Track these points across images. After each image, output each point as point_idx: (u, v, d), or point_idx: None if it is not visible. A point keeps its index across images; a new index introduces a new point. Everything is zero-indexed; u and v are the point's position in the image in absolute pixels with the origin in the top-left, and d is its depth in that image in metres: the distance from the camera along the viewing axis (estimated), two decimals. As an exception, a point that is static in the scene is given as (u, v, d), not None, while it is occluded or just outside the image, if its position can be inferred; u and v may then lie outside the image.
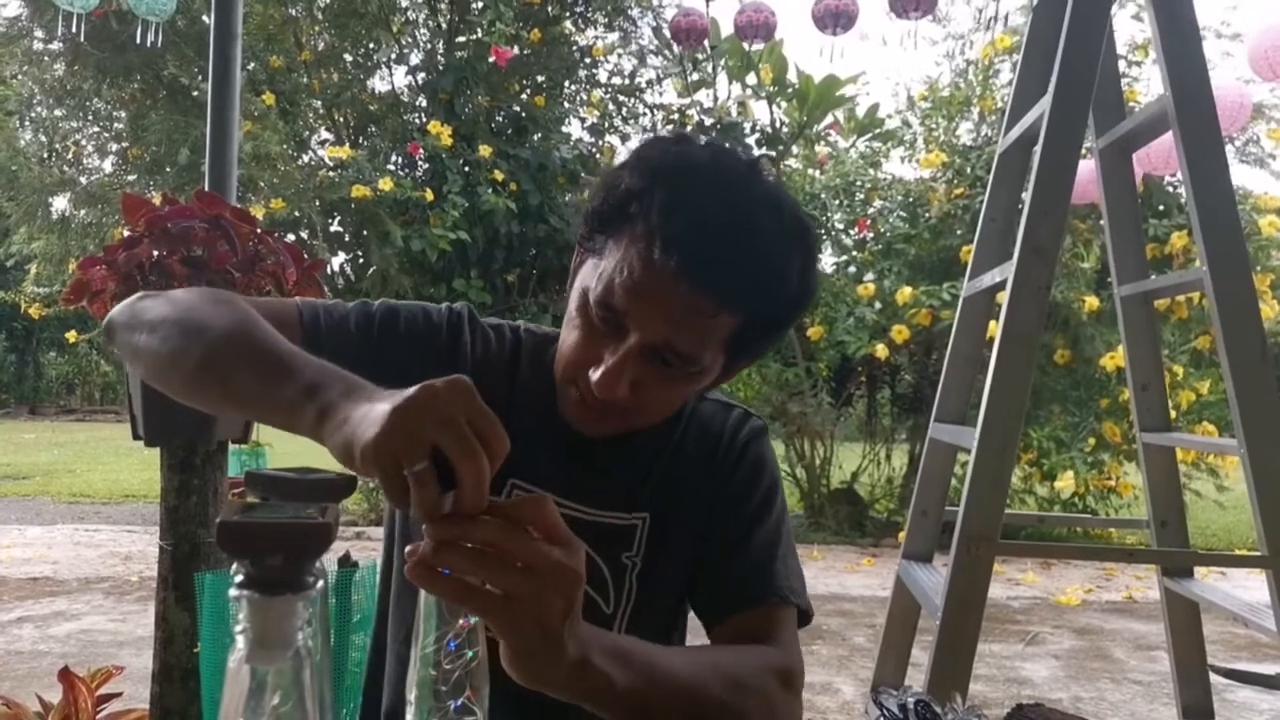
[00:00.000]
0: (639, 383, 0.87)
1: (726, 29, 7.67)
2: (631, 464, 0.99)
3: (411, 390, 0.62)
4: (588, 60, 7.72)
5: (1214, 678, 2.35)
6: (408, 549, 0.63)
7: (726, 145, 0.92)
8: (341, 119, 7.64)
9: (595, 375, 0.87)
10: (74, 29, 5.05)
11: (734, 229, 0.83)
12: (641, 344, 0.86)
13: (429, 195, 6.49)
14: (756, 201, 0.85)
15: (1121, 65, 2.97)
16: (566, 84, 7.74)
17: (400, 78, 7.83)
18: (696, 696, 0.81)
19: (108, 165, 7.86)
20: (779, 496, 1.02)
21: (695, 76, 8.10)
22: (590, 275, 0.89)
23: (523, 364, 1.01)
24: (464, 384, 0.62)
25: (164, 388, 0.83)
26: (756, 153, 0.95)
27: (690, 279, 0.82)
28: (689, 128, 7.73)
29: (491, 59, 6.98)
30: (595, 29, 7.90)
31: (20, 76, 7.52)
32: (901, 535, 2.52)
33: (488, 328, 1.03)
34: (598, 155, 7.57)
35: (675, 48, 7.05)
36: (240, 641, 0.51)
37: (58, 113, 7.63)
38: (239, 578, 0.52)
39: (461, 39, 7.43)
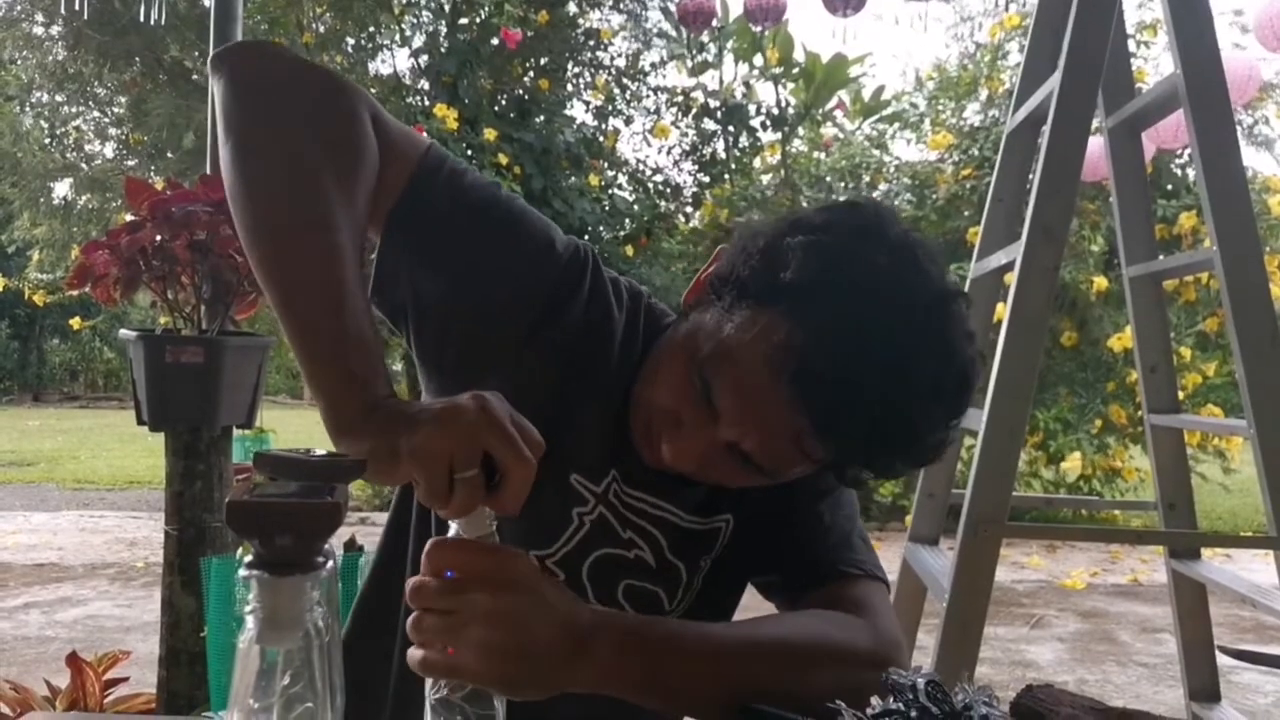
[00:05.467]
0: (709, 463, 0.80)
1: (734, 9, 7.63)
2: None
3: (462, 398, 0.63)
4: (592, 43, 7.67)
5: (1220, 659, 2.34)
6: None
7: (920, 253, 0.76)
8: (344, 102, 7.60)
9: (668, 440, 0.80)
10: (76, 7, 5.01)
11: (879, 386, 0.71)
12: (727, 442, 0.77)
13: (433, 179, 6.47)
14: (926, 352, 0.73)
15: (1130, 46, 2.93)
16: (570, 66, 7.69)
17: (402, 60, 7.79)
18: (746, 671, 0.75)
19: (109, 150, 7.83)
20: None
21: (701, 58, 8.04)
22: (708, 331, 0.78)
23: (640, 338, 0.89)
24: (503, 401, 0.64)
25: None
26: (954, 279, 0.80)
27: (813, 422, 0.73)
28: (694, 110, 7.68)
29: (495, 41, 6.94)
30: (600, 11, 7.85)
31: (20, 61, 7.49)
32: (907, 519, 2.51)
33: (607, 284, 0.89)
34: (601, 139, 7.54)
35: (683, 30, 7.00)
36: (250, 622, 0.51)
37: (58, 98, 7.60)
38: (249, 558, 0.52)
39: (464, 21, 7.38)
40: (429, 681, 0.64)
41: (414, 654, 0.64)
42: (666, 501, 0.88)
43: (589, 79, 7.75)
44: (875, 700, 0.62)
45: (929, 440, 0.77)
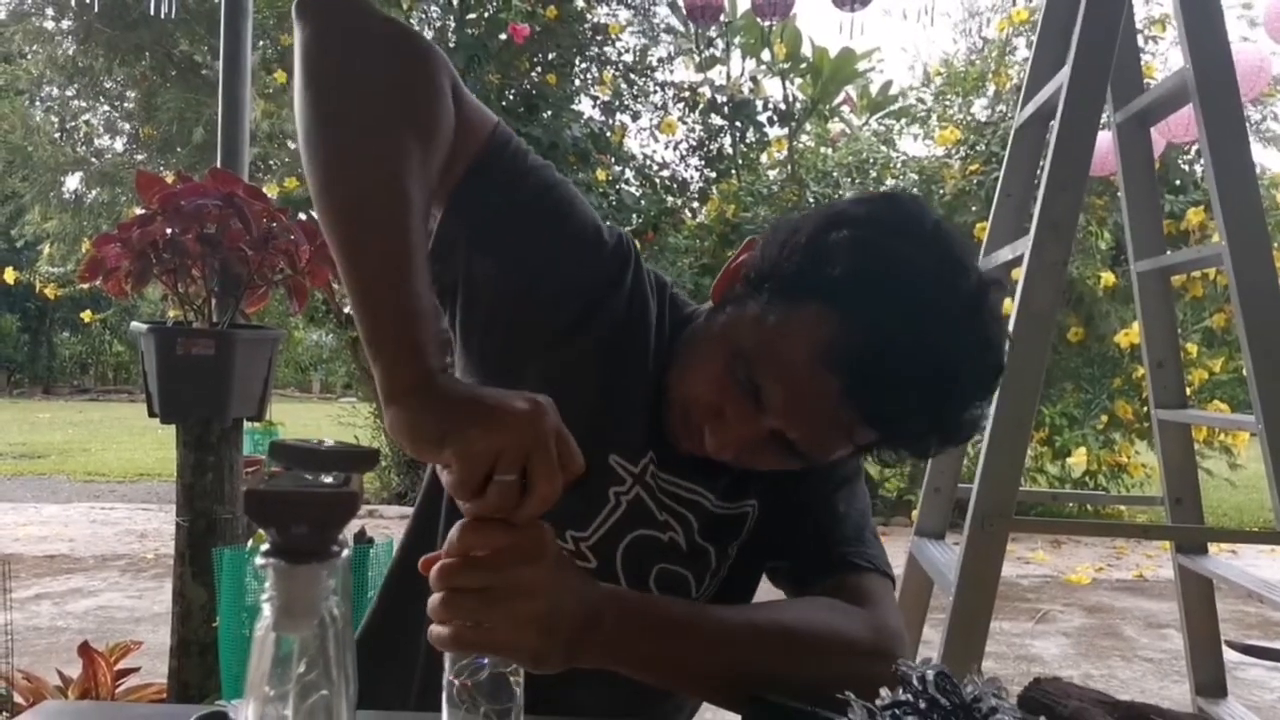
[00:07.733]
0: (751, 451, 0.82)
1: (742, 4, 7.62)
2: None
3: (518, 400, 0.64)
4: (599, 38, 7.67)
5: (1226, 654, 2.34)
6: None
7: (956, 246, 0.78)
8: (353, 97, 7.61)
9: (711, 431, 0.81)
10: (86, 1, 5.02)
11: (928, 379, 0.74)
12: (772, 431, 0.79)
13: (442, 174, 6.47)
14: (966, 346, 0.75)
15: (1139, 40, 2.92)
16: (578, 62, 7.69)
17: (411, 55, 7.79)
18: (747, 654, 0.77)
19: (119, 145, 7.86)
20: (862, 475, 0.98)
21: (708, 53, 8.03)
22: (750, 324, 0.80)
23: (668, 326, 0.91)
24: (553, 408, 0.64)
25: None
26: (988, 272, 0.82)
27: (859, 410, 0.75)
28: (701, 106, 7.68)
29: (503, 36, 6.94)
30: (608, 6, 7.84)
31: (31, 55, 7.51)
32: (913, 514, 2.52)
33: (646, 275, 0.91)
34: (608, 134, 7.54)
35: (690, 25, 6.99)
36: (267, 610, 0.52)
37: (69, 92, 7.63)
38: (265, 546, 0.53)
39: (472, 15, 7.39)
40: (448, 668, 0.65)
41: (439, 631, 0.64)
42: (698, 485, 0.90)
43: (596, 74, 7.74)
44: (884, 691, 0.62)
45: (968, 424, 0.80)
